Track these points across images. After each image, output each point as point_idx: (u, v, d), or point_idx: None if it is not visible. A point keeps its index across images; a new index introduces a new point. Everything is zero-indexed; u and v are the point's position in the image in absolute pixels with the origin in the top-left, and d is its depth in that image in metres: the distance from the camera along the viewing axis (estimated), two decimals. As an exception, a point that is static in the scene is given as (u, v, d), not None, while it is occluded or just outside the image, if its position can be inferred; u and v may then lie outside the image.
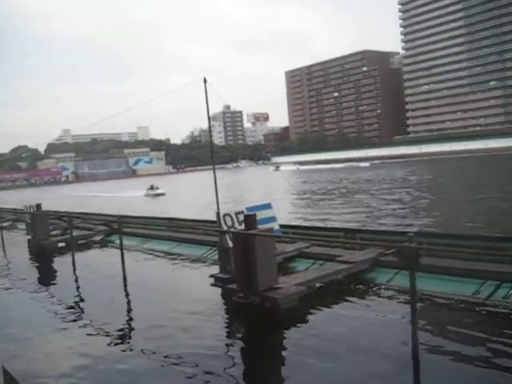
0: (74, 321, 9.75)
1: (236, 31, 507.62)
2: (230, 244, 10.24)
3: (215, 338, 8.22)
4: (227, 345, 8.13)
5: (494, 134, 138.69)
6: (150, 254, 16.89)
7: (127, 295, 11.64)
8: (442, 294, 9.26)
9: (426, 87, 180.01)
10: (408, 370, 6.47)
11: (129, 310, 10.55)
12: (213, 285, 11.17)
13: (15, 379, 6.18)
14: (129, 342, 8.54)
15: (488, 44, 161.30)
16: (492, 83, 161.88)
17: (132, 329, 9.41)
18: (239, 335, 8.80)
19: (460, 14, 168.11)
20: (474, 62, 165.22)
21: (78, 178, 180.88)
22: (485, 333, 7.66)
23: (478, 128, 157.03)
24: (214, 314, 9.54)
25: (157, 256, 16.36)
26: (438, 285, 9.56)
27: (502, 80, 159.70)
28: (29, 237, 20.01)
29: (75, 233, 18.53)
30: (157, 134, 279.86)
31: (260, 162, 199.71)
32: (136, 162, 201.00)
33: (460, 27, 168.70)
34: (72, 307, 10.79)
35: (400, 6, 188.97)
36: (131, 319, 9.89)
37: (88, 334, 8.91)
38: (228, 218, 10.77)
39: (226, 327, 9.12)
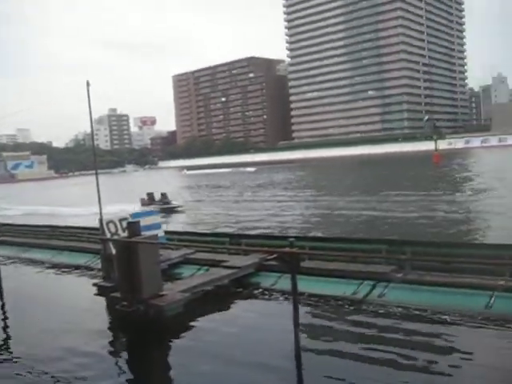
0: None
1: (115, 34, 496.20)
2: (114, 251, 10.00)
3: (99, 349, 7.99)
4: (111, 355, 7.95)
5: (372, 140, 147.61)
6: (29, 263, 16.06)
7: (3, 308, 10.97)
8: (324, 295, 9.67)
9: (310, 94, 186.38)
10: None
11: (6, 324, 9.93)
12: (96, 294, 10.85)
13: None
14: (9, 353, 8.09)
15: (367, 55, 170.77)
16: (371, 92, 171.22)
17: (9, 339, 8.91)
18: (124, 345, 8.62)
19: (341, 27, 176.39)
20: (355, 72, 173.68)
21: None
22: (363, 328, 8.13)
23: (358, 135, 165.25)
24: (98, 324, 9.27)
25: (37, 265, 15.58)
26: (320, 286, 9.96)
27: (379, 90, 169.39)
28: None
29: None
30: (40, 138, 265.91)
31: (147, 166, 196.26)
32: (15, 166, 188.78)
33: (341, 39, 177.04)
34: None
35: (285, 16, 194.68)
36: (9, 331, 9.33)
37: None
38: (112, 225, 10.52)
39: (111, 337, 8.90)
